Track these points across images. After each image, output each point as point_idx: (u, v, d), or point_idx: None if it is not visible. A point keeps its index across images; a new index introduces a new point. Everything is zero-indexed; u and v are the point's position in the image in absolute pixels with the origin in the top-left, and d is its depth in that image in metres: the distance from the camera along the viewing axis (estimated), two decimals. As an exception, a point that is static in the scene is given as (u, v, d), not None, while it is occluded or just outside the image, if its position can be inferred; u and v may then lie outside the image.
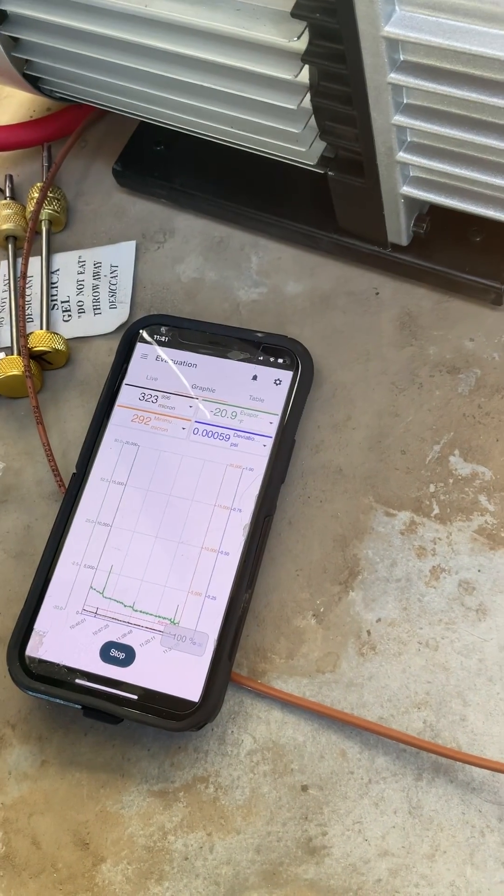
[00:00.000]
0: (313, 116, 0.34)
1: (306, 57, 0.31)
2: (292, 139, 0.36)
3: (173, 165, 0.44)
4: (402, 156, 0.33)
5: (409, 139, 0.33)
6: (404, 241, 0.38)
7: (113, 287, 0.44)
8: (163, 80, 0.37)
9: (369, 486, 0.38)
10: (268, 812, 0.33)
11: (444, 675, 0.34)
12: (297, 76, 0.32)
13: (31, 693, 0.35)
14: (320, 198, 0.39)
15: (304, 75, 0.32)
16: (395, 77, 0.30)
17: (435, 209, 0.38)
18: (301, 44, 0.31)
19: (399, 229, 0.38)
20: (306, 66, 0.32)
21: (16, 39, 0.39)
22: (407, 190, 0.35)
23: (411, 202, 0.36)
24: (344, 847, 0.32)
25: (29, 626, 0.36)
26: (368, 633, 0.35)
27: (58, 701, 0.35)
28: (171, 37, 0.34)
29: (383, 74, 0.30)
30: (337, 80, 0.31)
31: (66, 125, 0.47)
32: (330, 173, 0.36)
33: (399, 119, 0.31)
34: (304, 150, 0.36)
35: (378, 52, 0.29)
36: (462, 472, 0.37)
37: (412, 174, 0.35)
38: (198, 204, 0.44)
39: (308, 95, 0.33)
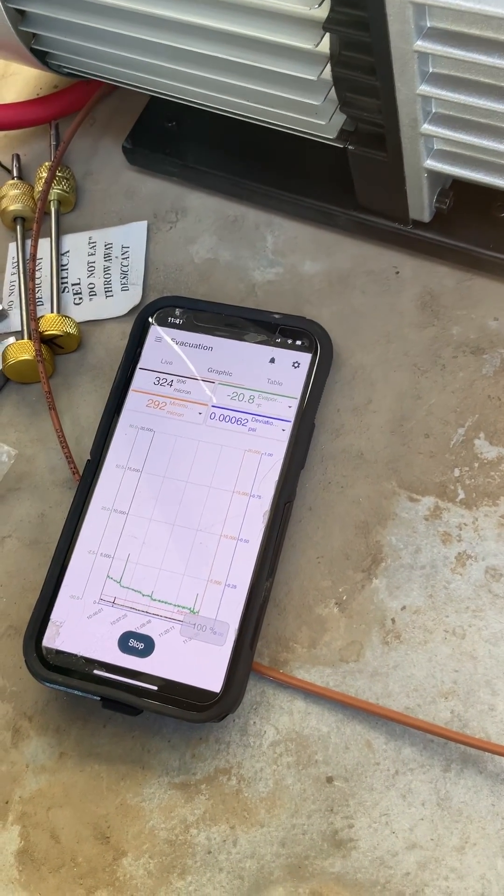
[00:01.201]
0: (333, 88, 0.33)
1: (328, 25, 0.30)
2: (311, 112, 0.34)
3: (185, 142, 0.43)
4: (427, 128, 0.32)
5: (434, 110, 0.32)
6: (426, 218, 0.37)
7: (125, 269, 0.43)
8: (175, 52, 0.35)
9: (392, 471, 0.37)
10: (292, 804, 0.33)
11: (472, 663, 0.33)
12: (317, 45, 0.31)
13: (48, 685, 0.34)
14: (338, 173, 0.38)
15: (325, 44, 0.31)
16: (421, 45, 0.28)
17: (458, 184, 0.37)
18: (322, 11, 0.30)
19: (421, 205, 0.36)
20: (327, 35, 0.31)
21: (22, 12, 0.38)
22: (431, 164, 0.34)
23: (435, 176, 0.35)
24: (371, 840, 0.32)
25: (45, 616, 0.35)
26: (393, 621, 0.34)
27: (76, 692, 0.34)
28: (183, 5, 0.33)
29: (409, 42, 0.28)
30: (360, 48, 0.30)
31: (74, 102, 0.46)
32: (350, 147, 0.35)
33: (425, 89, 0.30)
34: (323, 123, 0.35)
35: (404, 18, 0.28)
36: (488, 455, 0.36)
37: (436, 147, 0.33)
38: (211, 181, 0.43)
39: (329, 66, 0.32)
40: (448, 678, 0.33)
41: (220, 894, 0.32)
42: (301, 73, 0.32)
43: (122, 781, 0.34)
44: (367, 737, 0.33)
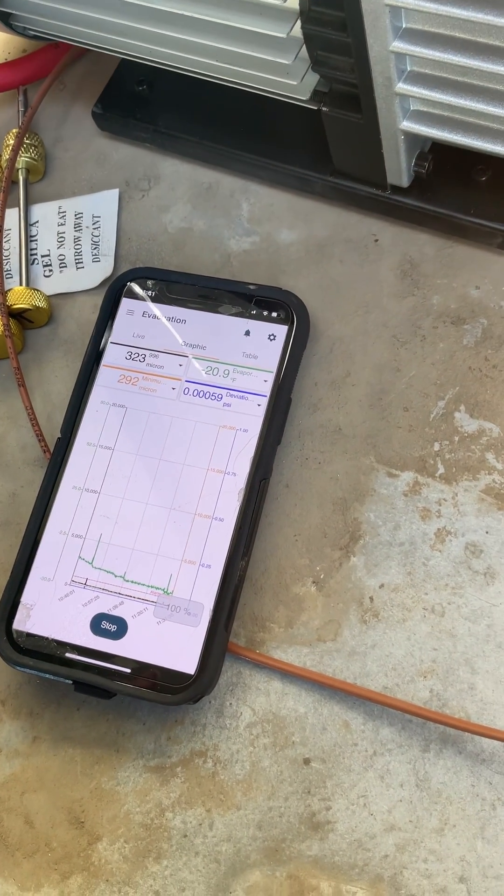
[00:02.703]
0: (304, 46, 0.31)
1: (295, -23, 0.28)
2: (282, 71, 0.33)
3: (157, 106, 0.41)
4: (402, 87, 0.30)
5: (408, 68, 0.30)
6: (405, 183, 0.36)
7: (96, 239, 0.41)
8: (143, 11, 0.34)
9: (370, 446, 0.36)
10: (269, 787, 0.32)
11: (451, 641, 0.33)
12: (286, 1, 0.29)
13: (19, 668, 0.33)
14: (314, 137, 0.37)
15: (294, 0, 0.29)
16: (392, -3, 0.27)
17: (437, 147, 0.35)
18: (289, -37, 0.28)
19: (399, 169, 0.35)
20: (296, -11, 0.29)
21: (-18, -30, 0.36)
22: (407, 125, 0.32)
23: (412, 139, 0.34)
24: (349, 822, 0.31)
25: (15, 598, 0.34)
26: (371, 599, 0.34)
27: (48, 676, 0.33)
28: (147, -40, 0.31)
29: (380, -6, 0.27)
30: (330, 3, 0.28)
31: (43, 66, 0.44)
32: (324, 109, 0.34)
33: (398, 45, 0.29)
34: (295, 83, 0.33)
35: (374, -32, 0.26)
36: (468, 428, 0.35)
37: (412, 107, 0.32)
38: (184, 147, 0.41)
39: (298, 22, 0.30)
40: (427, 657, 0.33)
41: (196, 878, 0.31)
42: (270, 31, 0.31)
43: (97, 765, 0.33)
44: (345, 717, 0.32)
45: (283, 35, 0.31)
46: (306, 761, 0.32)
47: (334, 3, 0.28)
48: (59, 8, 0.36)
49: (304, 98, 0.34)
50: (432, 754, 0.31)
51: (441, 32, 0.28)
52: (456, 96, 0.30)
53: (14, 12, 0.39)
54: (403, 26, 0.29)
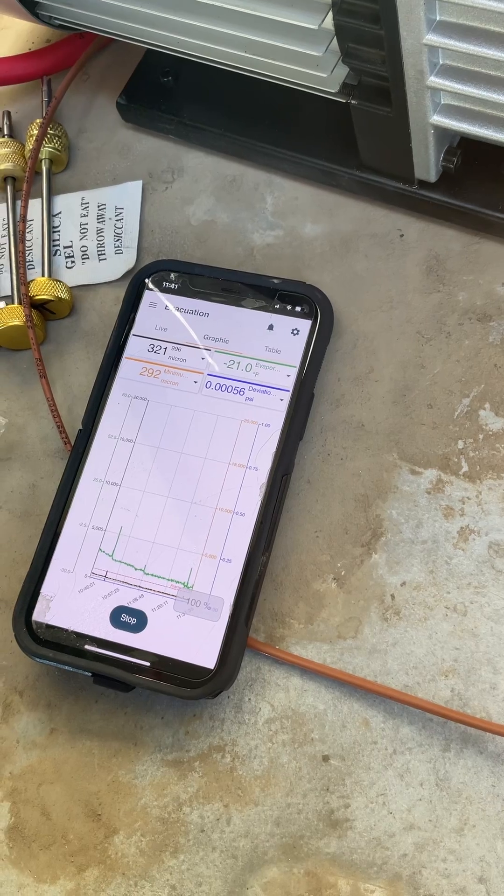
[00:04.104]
0: (335, 37, 0.31)
1: (329, -32, 0.28)
2: (312, 64, 0.33)
3: (182, 98, 0.41)
4: (434, 80, 0.30)
5: (441, 62, 0.30)
6: (433, 177, 0.36)
7: (118, 231, 0.41)
8: (170, 1, 0.34)
9: (393, 443, 0.35)
10: (287, 783, 0.32)
11: (473, 641, 0.32)
12: (318, -9, 0.29)
13: (38, 660, 0.33)
14: (341, 131, 0.37)
15: (327, -10, 0.29)
16: (428, -11, 0.27)
17: (466, 141, 0.35)
18: (323, -47, 0.28)
19: (427, 164, 0.35)
20: (329, -20, 0.29)
21: (10, -42, 0.36)
22: (437, 119, 0.32)
23: (441, 133, 0.33)
24: (367, 820, 0.31)
25: (35, 589, 0.34)
26: (392, 597, 0.33)
27: (67, 668, 0.33)
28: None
29: (416, -14, 0.27)
30: (363, -6, 0.28)
31: (67, 56, 0.44)
32: (353, 102, 0.34)
33: (431, 38, 0.28)
34: (324, 76, 0.33)
35: (411, -41, 0.26)
36: (493, 426, 0.35)
37: (444, 101, 0.32)
38: (208, 139, 0.41)
39: (330, 14, 0.30)
40: (448, 656, 0.32)
41: (213, 873, 0.31)
42: (301, 22, 0.31)
43: (114, 758, 0.33)
44: (365, 715, 0.32)
45: (315, 26, 0.30)
46: (325, 758, 0.32)
47: (368, -5, 0.28)
48: (87, -3, 0.36)
49: (333, 91, 0.34)
50: (453, 754, 0.31)
51: (476, 26, 0.28)
52: (489, 91, 0.30)
53: (41, 1, 0.38)
54: (437, 19, 0.28)
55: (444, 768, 0.31)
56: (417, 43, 0.29)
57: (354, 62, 0.31)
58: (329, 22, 0.30)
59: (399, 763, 0.31)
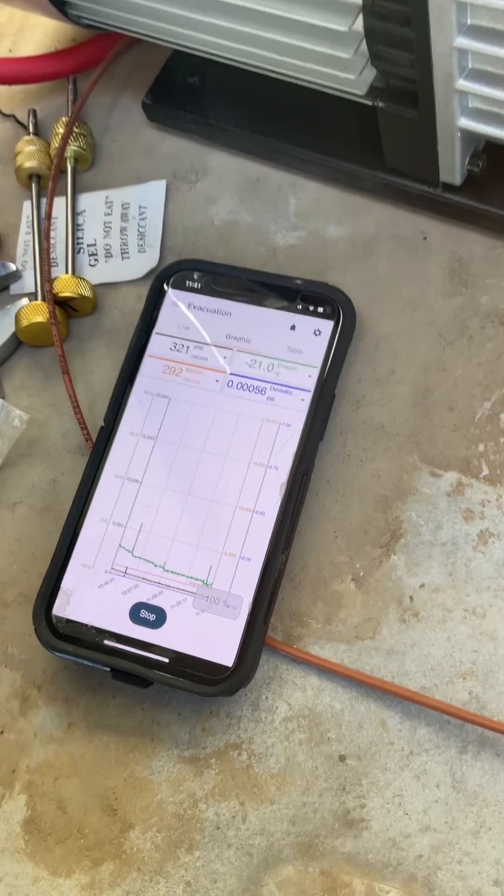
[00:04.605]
0: (365, 40, 0.31)
1: (361, -29, 0.28)
2: (340, 66, 0.33)
3: (207, 98, 0.41)
4: (463, 84, 0.30)
5: (470, 65, 0.30)
6: (457, 181, 0.36)
7: (142, 230, 0.41)
8: (200, 2, 0.34)
9: (414, 445, 0.35)
10: (303, 782, 0.32)
11: (492, 644, 0.32)
12: (349, -6, 0.29)
13: (57, 654, 0.34)
14: (366, 133, 0.37)
15: (358, -7, 0.29)
16: (460, -8, 0.27)
17: (491, 145, 0.35)
18: (356, -44, 0.28)
19: (453, 167, 0.35)
20: (360, -17, 0.29)
21: (41, -42, 0.37)
22: (465, 122, 0.32)
23: (468, 137, 0.34)
24: (383, 820, 0.31)
25: (56, 584, 0.34)
26: (411, 598, 0.34)
27: (86, 662, 0.33)
28: (210, -49, 0.31)
29: (448, -11, 0.27)
30: (394, -3, 0.28)
31: (94, 56, 0.44)
32: (380, 105, 0.34)
33: (462, 42, 0.29)
34: (352, 77, 0.33)
35: (444, -38, 0.26)
36: (514, 430, 0.35)
37: (472, 105, 0.32)
38: (232, 140, 0.41)
39: (360, 16, 0.30)
40: (467, 658, 0.32)
41: (228, 870, 0.31)
42: (331, 24, 0.31)
43: (131, 753, 0.33)
44: (382, 715, 0.32)
45: (345, 29, 0.31)
46: (342, 758, 0.32)
47: (399, -2, 0.28)
48: (116, -3, 0.36)
49: (360, 93, 0.34)
50: (470, 756, 0.31)
51: (506, 29, 0.28)
52: (517, 94, 0.30)
53: (71, 1, 0.39)
54: (469, 23, 0.28)
55: (460, 770, 0.31)
56: (448, 46, 0.29)
57: (383, 65, 0.32)
58: (359, 24, 0.30)
59: (416, 764, 0.31)
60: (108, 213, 0.42)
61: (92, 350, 0.40)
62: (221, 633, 0.33)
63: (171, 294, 0.38)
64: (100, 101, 0.45)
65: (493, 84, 0.30)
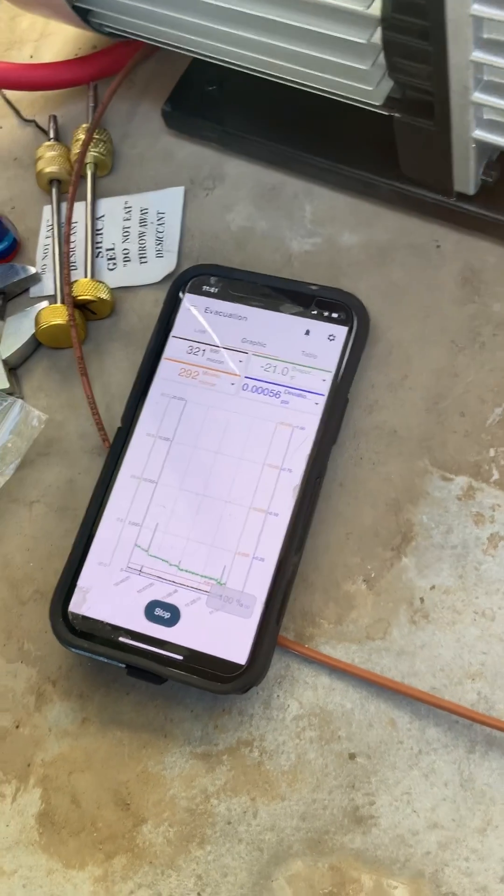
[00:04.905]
0: (383, 52, 0.32)
1: (381, -15, 0.29)
2: (358, 77, 0.33)
3: (225, 107, 0.42)
4: (478, 96, 0.31)
5: (486, 78, 0.31)
6: (471, 190, 0.36)
7: (160, 235, 0.42)
8: (221, 12, 0.35)
9: (425, 449, 0.36)
10: (314, 779, 0.33)
11: (501, 646, 0.33)
12: (368, 7, 0.30)
13: (73, 650, 0.34)
14: (380, 142, 0.37)
15: (377, 6, 0.30)
16: (479, 9, 0.27)
17: (505, 156, 0.36)
18: (376, -29, 0.29)
19: (467, 177, 0.35)
20: (379, -3, 0.30)
21: (65, -32, 0.37)
22: (480, 134, 0.33)
23: (482, 147, 0.34)
24: (392, 818, 0.32)
25: (72, 581, 0.35)
26: (421, 600, 0.34)
27: (101, 659, 0.34)
28: (232, -36, 0.32)
29: (466, 6, 0.27)
30: (413, 11, 0.29)
31: (114, 63, 0.45)
32: (396, 115, 0.34)
33: (478, 55, 0.29)
34: (370, 88, 0.34)
35: (462, -21, 0.27)
36: (525, 436, 0.35)
37: (486, 117, 0.32)
38: (250, 148, 0.42)
39: (379, 29, 0.31)
40: (476, 660, 0.33)
41: (238, 865, 0.32)
42: (350, 36, 0.31)
43: (144, 749, 0.34)
44: (392, 715, 0.33)
45: (364, 41, 0.31)
46: (352, 756, 0.33)
47: (418, 11, 0.29)
48: (138, 6, 0.37)
49: (377, 104, 0.34)
50: (478, 755, 0.32)
51: (522, 44, 0.29)
52: (532, 107, 0.31)
53: (93, 9, 0.39)
54: (485, 36, 0.29)
55: (468, 769, 0.32)
56: (464, 59, 0.30)
57: (400, 76, 0.32)
58: (377, 37, 0.31)
59: (424, 763, 0.32)
60: (127, 219, 0.43)
61: (109, 352, 0.41)
62: (235, 631, 0.33)
63: (188, 298, 0.39)
64: (119, 107, 0.45)
65: (508, 97, 0.31)
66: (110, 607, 0.34)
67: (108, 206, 0.43)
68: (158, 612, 0.34)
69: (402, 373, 0.37)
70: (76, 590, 0.35)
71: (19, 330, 0.41)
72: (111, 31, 0.41)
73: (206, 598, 0.34)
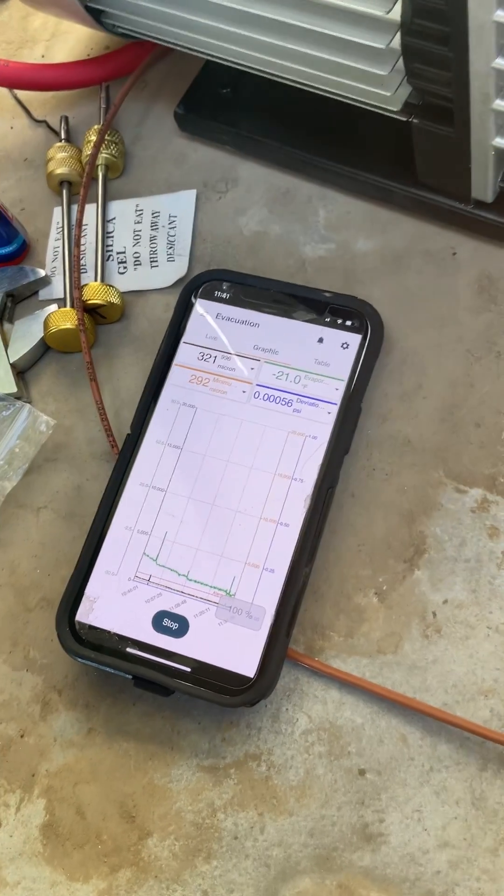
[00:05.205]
0: (402, 58, 0.31)
1: (402, -10, 0.28)
2: (376, 82, 0.33)
3: (239, 110, 0.42)
4: (500, 104, 0.30)
5: (507, 85, 0.30)
6: (489, 198, 0.36)
7: (171, 238, 0.42)
8: (237, 15, 0.34)
9: (439, 460, 0.36)
10: (322, 795, 0.32)
11: (514, 662, 0.32)
12: (388, 12, 0.29)
13: (80, 660, 0.34)
14: (397, 147, 0.37)
15: (397, 11, 0.29)
16: (502, 15, 0.27)
17: (524, 164, 0.35)
18: (397, -25, 0.28)
19: (485, 184, 0.35)
20: (399, 2, 0.29)
21: (79, -32, 0.37)
22: (499, 142, 0.32)
23: (502, 155, 0.34)
24: (402, 835, 0.31)
25: (80, 590, 0.35)
26: (434, 614, 0.34)
27: (108, 669, 0.33)
28: (249, -34, 0.31)
29: (489, 11, 0.27)
30: (434, 17, 0.28)
31: (127, 64, 0.44)
32: (414, 121, 0.34)
33: (501, 63, 0.29)
34: (388, 94, 0.33)
35: (486, -16, 0.26)
36: (540, 448, 0.35)
37: (507, 124, 0.32)
38: (263, 151, 0.41)
39: (398, 34, 0.30)
40: (489, 676, 0.32)
41: (245, 881, 0.31)
42: (369, 41, 0.31)
43: (150, 761, 0.34)
44: (402, 731, 0.32)
45: (383, 46, 0.31)
46: (361, 772, 0.32)
47: (439, 17, 0.28)
48: (152, 7, 0.37)
49: (395, 109, 0.34)
50: (490, 773, 0.31)
51: (545, 51, 0.28)
52: (554, 115, 0.30)
53: (106, 9, 0.39)
54: (508, 43, 0.28)
55: (480, 787, 0.31)
56: (486, 66, 0.29)
57: (419, 82, 0.32)
58: (397, 42, 0.31)
59: (435, 780, 0.32)
60: (139, 222, 0.42)
61: (119, 357, 0.40)
62: (243, 643, 0.33)
63: (200, 304, 0.38)
64: (132, 109, 0.45)
65: (529, 104, 0.30)
66: (118, 617, 0.34)
67: (119, 208, 0.43)
68: (166, 622, 0.34)
69: (416, 382, 0.37)
70: (83, 599, 0.34)
71: (28, 333, 0.40)
72: (124, 31, 0.40)
73: (215, 610, 0.34)
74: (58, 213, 0.43)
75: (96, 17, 0.40)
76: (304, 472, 0.35)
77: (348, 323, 0.37)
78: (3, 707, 0.35)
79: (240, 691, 0.32)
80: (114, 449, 0.38)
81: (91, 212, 0.42)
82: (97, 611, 0.34)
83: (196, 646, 0.33)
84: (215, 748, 0.33)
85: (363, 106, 0.35)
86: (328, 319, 0.37)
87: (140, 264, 0.41)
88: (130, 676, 0.33)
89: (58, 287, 0.42)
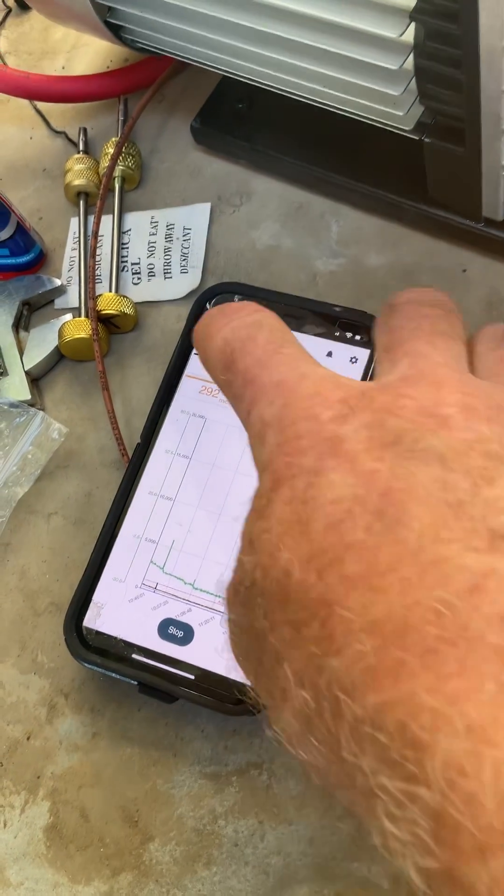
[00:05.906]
0: (414, 78, 0.32)
1: (415, 14, 0.29)
2: (389, 102, 0.33)
3: (254, 125, 0.42)
4: (510, 125, 0.31)
5: (518, 108, 0.31)
6: (500, 216, 0.36)
7: (185, 251, 0.42)
8: (254, 34, 0.35)
9: (445, 475, 0.36)
10: (322, 804, 0.32)
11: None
12: (402, 35, 0.30)
13: (86, 665, 0.34)
14: (409, 165, 0.37)
15: (410, 34, 0.30)
16: (512, 39, 0.27)
17: (535, 184, 0.35)
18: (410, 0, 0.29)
19: (495, 203, 0.35)
20: (412, 24, 0.30)
21: (99, -16, 0.38)
22: (510, 162, 0.33)
23: (512, 175, 0.34)
24: (400, 847, 0.31)
25: (87, 596, 0.35)
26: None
27: (113, 675, 0.34)
28: (266, -13, 0.32)
29: (500, 37, 0.27)
30: (447, 40, 0.29)
31: (145, 78, 0.45)
32: (426, 140, 0.34)
33: (511, 85, 0.29)
34: (400, 114, 0.34)
35: (497, 12, 0.26)
36: (546, 466, 0.35)
37: (517, 146, 0.32)
38: (277, 166, 0.42)
39: (412, 55, 0.31)
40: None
41: (244, 888, 0.32)
42: (382, 62, 0.31)
43: (153, 767, 0.34)
44: (403, 743, 0.33)
45: (396, 67, 0.31)
46: (361, 783, 0.32)
47: (451, 41, 0.29)
48: (170, 24, 0.37)
49: (407, 128, 0.34)
50: (488, 788, 0.32)
51: None
52: None
53: (125, 25, 0.40)
54: (518, 67, 0.29)
55: (479, 802, 0.31)
56: (497, 89, 0.29)
57: (431, 103, 0.32)
58: (410, 63, 0.31)
59: (434, 793, 0.32)
60: (153, 233, 0.43)
61: (131, 367, 0.41)
62: (248, 652, 0.33)
63: (212, 315, 0.39)
64: (149, 122, 0.46)
65: (539, 127, 0.31)
66: (124, 624, 0.34)
67: (134, 220, 0.43)
68: (172, 630, 0.34)
69: (423, 397, 0.37)
70: (91, 605, 0.35)
71: (43, 341, 0.41)
72: (142, 46, 0.41)
73: (221, 618, 0.34)
74: (74, 224, 0.44)
75: (115, 31, 0.40)
76: (311, 485, 0.35)
77: (357, 337, 0.37)
78: (10, 709, 0.36)
79: (243, 700, 0.33)
80: (124, 457, 0.38)
81: (107, 223, 0.43)
82: (104, 617, 0.35)
83: (201, 654, 0.33)
84: (218, 756, 0.34)
85: (376, 124, 0.35)
86: (338, 334, 0.38)
87: (154, 275, 0.42)
88: (136, 682, 0.34)
89: (73, 296, 0.42)
